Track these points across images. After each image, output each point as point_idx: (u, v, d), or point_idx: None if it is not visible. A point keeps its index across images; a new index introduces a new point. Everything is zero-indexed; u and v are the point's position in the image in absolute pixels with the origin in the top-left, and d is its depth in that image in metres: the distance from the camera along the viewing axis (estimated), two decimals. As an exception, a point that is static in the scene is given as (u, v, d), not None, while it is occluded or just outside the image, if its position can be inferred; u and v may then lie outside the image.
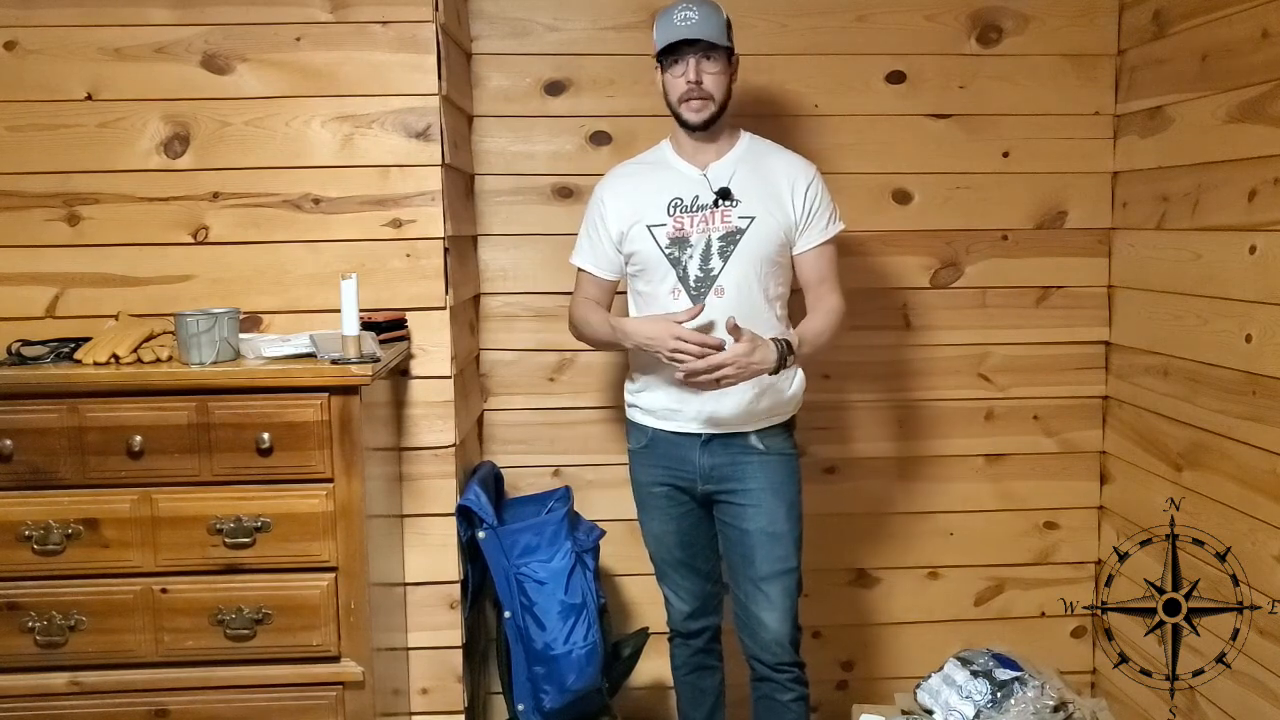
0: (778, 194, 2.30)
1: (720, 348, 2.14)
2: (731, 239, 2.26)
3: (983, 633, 3.01)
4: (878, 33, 2.85)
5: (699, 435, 2.32)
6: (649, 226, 2.30)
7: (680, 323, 2.18)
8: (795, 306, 2.39)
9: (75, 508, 2.06)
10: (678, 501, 2.40)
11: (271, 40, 2.34)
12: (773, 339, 2.18)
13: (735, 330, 2.13)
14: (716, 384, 2.15)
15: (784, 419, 2.36)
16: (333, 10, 2.34)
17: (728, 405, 2.28)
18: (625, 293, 2.44)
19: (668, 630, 2.57)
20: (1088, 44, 2.88)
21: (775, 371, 2.18)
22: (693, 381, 2.16)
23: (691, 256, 2.27)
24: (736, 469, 2.32)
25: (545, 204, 2.85)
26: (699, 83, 2.22)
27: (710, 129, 2.29)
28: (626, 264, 2.37)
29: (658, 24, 2.26)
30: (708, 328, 2.23)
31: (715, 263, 2.26)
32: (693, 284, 2.27)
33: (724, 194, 2.28)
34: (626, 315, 2.41)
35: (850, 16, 2.84)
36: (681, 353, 2.14)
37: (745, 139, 2.37)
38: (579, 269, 2.45)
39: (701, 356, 2.13)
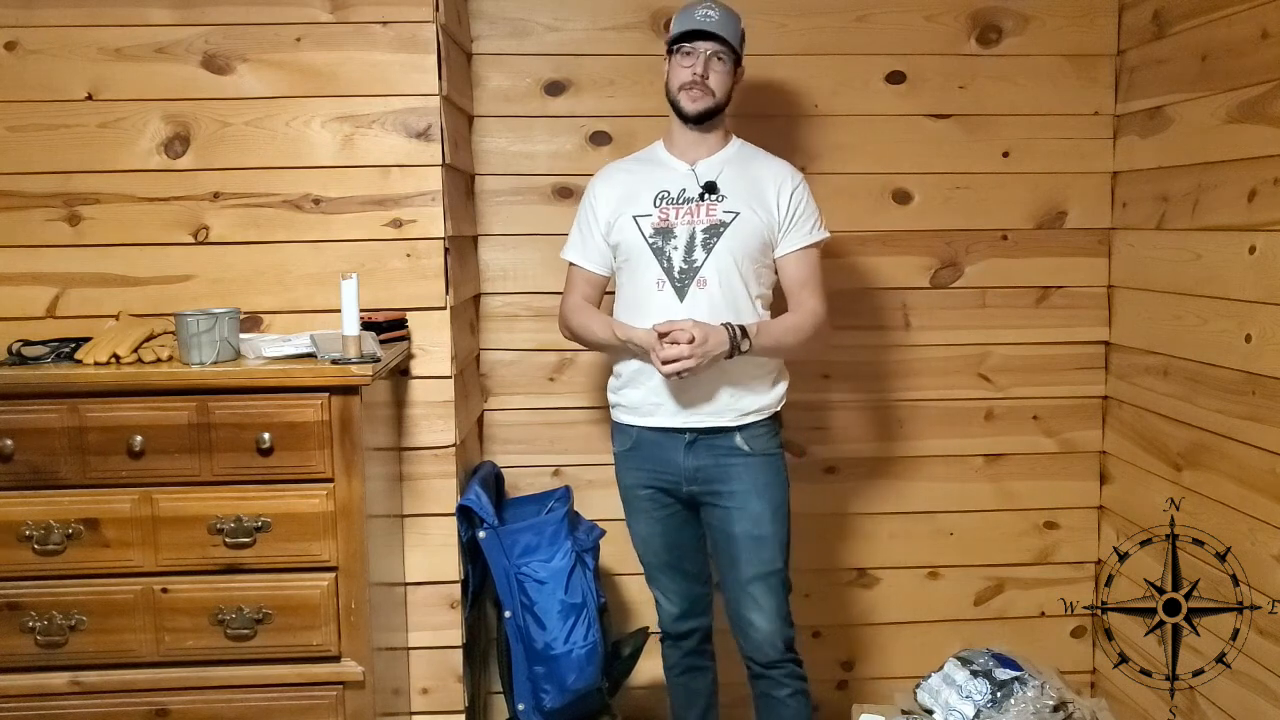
0: (762, 195, 2.33)
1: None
2: (715, 232, 2.28)
3: (982, 633, 3.01)
4: (878, 33, 2.85)
5: (683, 434, 2.32)
6: (635, 217, 2.32)
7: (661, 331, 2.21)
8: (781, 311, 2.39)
9: (75, 508, 2.06)
10: (662, 504, 2.40)
11: (272, 40, 2.34)
12: (722, 324, 2.20)
13: (684, 332, 2.16)
14: (679, 375, 2.17)
15: (767, 415, 2.35)
16: (333, 10, 2.34)
17: (708, 399, 2.29)
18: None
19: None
20: (1087, 44, 2.88)
21: (729, 355, 2.19)
22: (665, 370, 2.18)
23: (675, 247, 2.29)
24: (720, 470, 2.32)
25: (545, 204, 2.85)
26: (705, 77, 2.27)
27: (705, 123, 2.32)
28: (614, 256, 2.38)
29: (678, 15, 2.32)
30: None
31: (699, 254, 2.28)
32: (676, 275, 2.28)
33: (710, 188, 2.31)
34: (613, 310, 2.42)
35: (850, 16, 2.84)
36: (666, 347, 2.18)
37: (736, 143, 2.41)
38: (570, 264, 2.45)
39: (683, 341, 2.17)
